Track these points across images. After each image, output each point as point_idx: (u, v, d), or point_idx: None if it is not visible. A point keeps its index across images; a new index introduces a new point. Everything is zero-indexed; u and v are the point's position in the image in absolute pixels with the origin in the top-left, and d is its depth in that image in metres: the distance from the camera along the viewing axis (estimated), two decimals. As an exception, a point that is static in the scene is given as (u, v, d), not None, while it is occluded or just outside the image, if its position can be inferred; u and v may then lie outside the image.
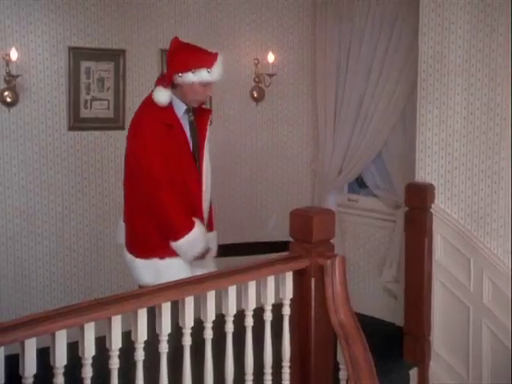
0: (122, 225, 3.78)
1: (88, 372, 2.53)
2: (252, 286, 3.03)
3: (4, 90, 4.61)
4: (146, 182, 3.53)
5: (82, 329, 2.50)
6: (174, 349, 2.86)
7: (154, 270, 3.60)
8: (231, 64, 5.58)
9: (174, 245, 3.57)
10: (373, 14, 5.42)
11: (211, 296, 2.88)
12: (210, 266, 3.67)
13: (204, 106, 3.96)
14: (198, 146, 3.71)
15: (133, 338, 2.68)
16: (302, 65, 5.95)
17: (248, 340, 3.04)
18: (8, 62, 4.52)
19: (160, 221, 3.58)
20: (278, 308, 3.14)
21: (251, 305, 3.03)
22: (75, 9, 4.86)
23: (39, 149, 4.82)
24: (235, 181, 5.72)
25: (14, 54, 4.51)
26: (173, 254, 3.59)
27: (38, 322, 2.36)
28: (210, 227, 3.84)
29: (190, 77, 3.54)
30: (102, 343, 2.59)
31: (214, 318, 2.90)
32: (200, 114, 3.77)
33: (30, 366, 2.36)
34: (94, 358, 2.54)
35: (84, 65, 4.91)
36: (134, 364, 2.69)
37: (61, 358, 2.45)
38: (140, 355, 2.67)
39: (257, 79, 5.69)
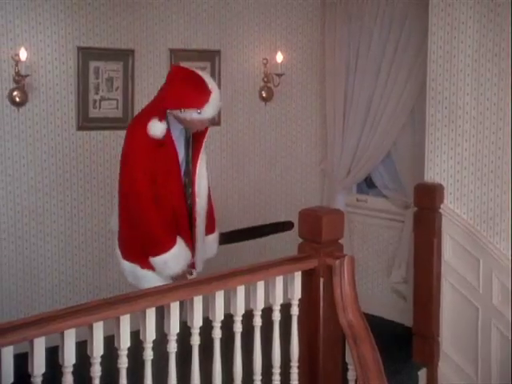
0: (116, 210, 3.79)
1: (96, 371, 2.55)
2: (260, 286, 3.03)
3: (13, 90, 4.63)
4: (132, 197, 3.54)
5: (90, 328, 2.51)
6: (182, 348, 2.87)
7: (134, 275, 3.65)
8: (240, 64, 5.59)
9: (150, 260, 3.57)
10: (382, 13, 5.42)
11: (220, 296, 2.88)
12: None
13: None
14: (190, 161, 3.70)
15: (141, 337, 2.69)
16: (310, 65, 5.95)
17: (256, 340, 3.04)
18: (17, 61, 4.53)
19: (142, 235, 3.57)
20: (286, 308, 3.14)
21: (260, 305, 3.03)
22: (84, 9, 4.87)
23: (48, 148, 4.83)
24: (244, 181, 5.72)
25: (23, 54, 4.52)
26: (152, 267, 3.59)
27: (47, 321, 2.36)
28: (209, 230, 3.84)
29: (179, 114, 3.53)
30: (110, 342, 2.59)
31: (222, 317, 2.90)
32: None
33: (39, 365, 2.38)
34: (102, 357, 2.55)
35: (93, 64, 4.92)
36: (142, 363, 2.69)
37: (69, 357, 2.46)
38: (148, 355, 2.68)
39: (265, 79, 5.68)
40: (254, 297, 3.03)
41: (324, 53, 5.89)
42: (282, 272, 3.09)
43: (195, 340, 2.83)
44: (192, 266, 3.70)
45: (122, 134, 5.12)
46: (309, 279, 3.14)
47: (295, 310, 3.15)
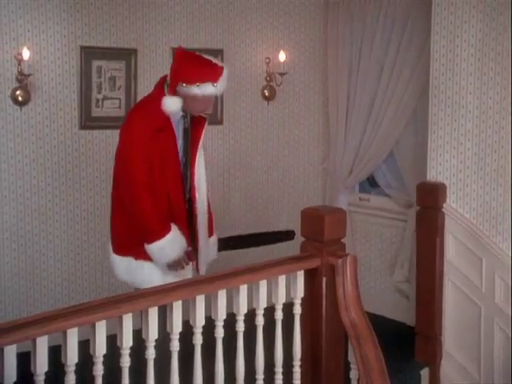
0: None
1: (99, 370, 2.55)
2: (263, 285, 3.03)
3: (16, 89, 4.63)
4: (127, 185, 3.53)
5: (93, 327, 2.51)
6: (184, 347, 2.87)
7: (128, 268, 3.64)
8: (243, 63, 5.59)
9: (146, 247, 3.56)
10: (384, 13, 5.41)
11: (222, 295, 2.88)
12: (187, 275, 3.63)
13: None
14: (189, 152, 3.69)
15: (144, 336, 2.69)
16: (313, 64, 5.95)
17: (259, 339, 3.04)
18: (20, 61, 4.54)
19: (136, 223, 3.57)
20: (288, 307, 3.14)
21: (262, 304, 3.03)
22: (87, 8, 4.88)
23: (51, 147, 4.84)
24: (246, 180, 5.72)
25: (25, 53, 4.52)
26: (147, 257, 3.58)
27: (49, 320, 2.37)
28: (208, 233, 3.81)
29: (195, 90, 3.51)
30: (113, 341, 2.59)
31: (224, 316, 2.90)
32: (196, 122, 3.73)
33: (41, 364, 2.38)
34: (105, 356, 2.55)
35: (95, 64, 4.92)
36: (144, 362, 2.70)
37: (72, 356, 2.46)
38: (151, 354, 2.68)
39: (268, 78, 5.68)
40: (256, 296, 3.03)
41: (326, 52, 5.90)
42: (285, 271, 3.09)
43: (197, 339, 2.83)
44: (196, 269, 3.70)
45: (125, 133, 5.11)
46: (311, 278, 3.14)
47: (298, 309, 3.15)
